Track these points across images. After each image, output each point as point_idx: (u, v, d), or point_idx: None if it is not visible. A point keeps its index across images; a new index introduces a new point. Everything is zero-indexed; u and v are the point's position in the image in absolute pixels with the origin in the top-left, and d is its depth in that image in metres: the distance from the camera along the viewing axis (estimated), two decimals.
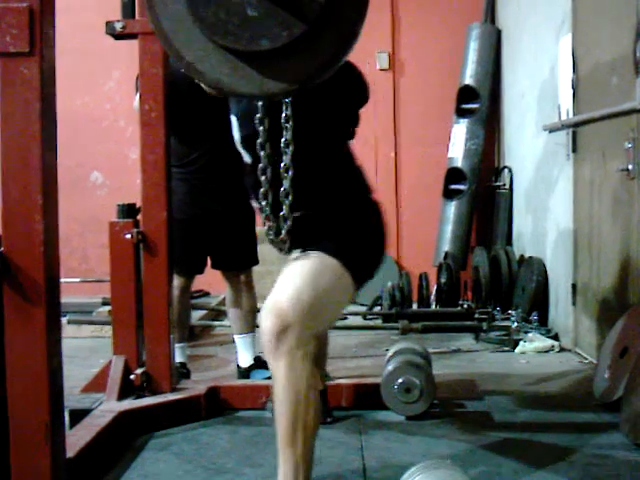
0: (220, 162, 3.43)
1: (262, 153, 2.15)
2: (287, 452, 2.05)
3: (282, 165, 2.14)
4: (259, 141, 2.14)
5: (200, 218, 3.51)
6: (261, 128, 2.14)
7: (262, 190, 2.17)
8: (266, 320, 2.06)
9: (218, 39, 1.80)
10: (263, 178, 2.17)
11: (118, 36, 3.07)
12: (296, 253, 2.28)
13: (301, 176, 2.17)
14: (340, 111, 2.37)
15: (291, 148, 2.14)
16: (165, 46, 1.84)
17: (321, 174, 2.29)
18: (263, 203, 2.19)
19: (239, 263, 3.68)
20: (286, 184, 2.14)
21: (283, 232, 2.18)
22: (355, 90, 2.46)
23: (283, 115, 2.13)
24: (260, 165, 2.16)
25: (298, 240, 2.24)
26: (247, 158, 2.37)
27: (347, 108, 2.42)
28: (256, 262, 3.72)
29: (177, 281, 3.44)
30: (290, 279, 2.13)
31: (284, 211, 2.16)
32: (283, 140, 2.14)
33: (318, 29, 1.81)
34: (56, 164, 1.92)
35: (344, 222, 2.29)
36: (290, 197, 2.15)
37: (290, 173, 2.14)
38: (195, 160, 3.50)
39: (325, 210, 2.29)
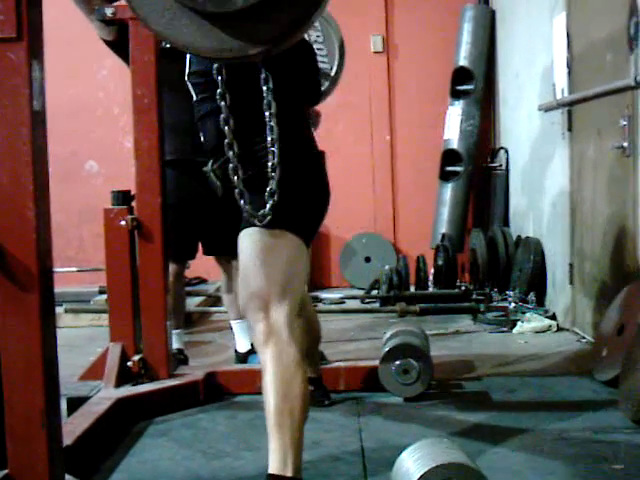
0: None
1: (222, 104, 2.10)
2: (276, 437, 2.04)
3: (269, 139, 2.11)
4: (219, 91, 2.10)
5: (187, 202, 3.49)
6: (219, 78, 2.11)
7: (227, 141, 2.12)
8: (249, 304, 2.09)
9: (186, 1, 1.77)
10: (226, 128, 2.11)
11: (108, 22, 3.05)
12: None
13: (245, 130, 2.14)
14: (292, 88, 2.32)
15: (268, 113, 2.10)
16: (133, 12, 1.81)
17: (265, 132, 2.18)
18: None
19: (230, 248, 3.66)
20: (273, 160, 2.11)
21: (268, 207, 2.12)
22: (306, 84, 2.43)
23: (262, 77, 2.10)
24: (222, 115, 2.11)
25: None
26: (193, 94, 2.36)
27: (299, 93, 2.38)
28: None
29: (170, 267, 3.43)
30: (254, 265, 2.15)
31: (272, 186, 2.10)
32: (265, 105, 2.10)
33: None
34: (47, 150, 1.91)
35: (285, 183, 2.17)
36: (277, 172, 2.10)
37: (276, 151, 2.10)
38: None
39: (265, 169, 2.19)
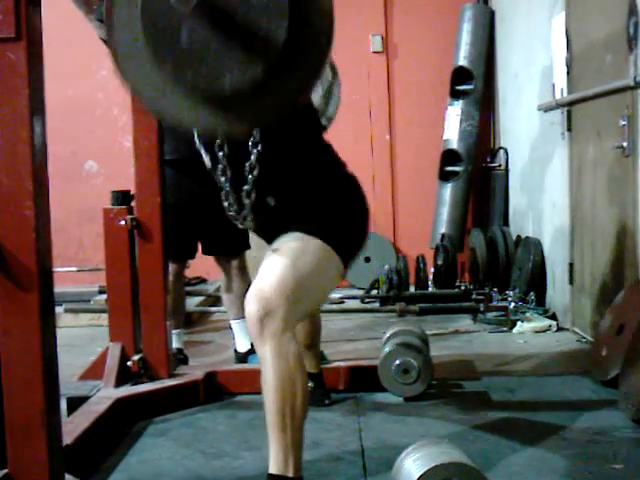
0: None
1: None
2: (276, 437, 2.03)
3: (248, 164, 2.14)
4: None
5: (187, 202, 3.49)
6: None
7: (220, 167, 2.18)
8: (249, 305, 2.05)
9: (176, 77, 1.78)
10: (223, 177, 2.19)
11: None
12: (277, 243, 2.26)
13: (270, 160, 2.15)
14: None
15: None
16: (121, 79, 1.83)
17: (291, 157, 2.25)
18: (222, 179, 2.18)
19: (229, 248, 3.67)
20: (252, 158, 2.13)
21: (246, 208, 2.15)
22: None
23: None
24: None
25: (276, 229, 2.21)
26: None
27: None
28: (247, 247, 3.69)
29: (170, 267, 3.43)
30: (272, 264, 2.12)
31: (248, 185, 2.14)
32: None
33: (278, 69, 1.77)
34: (46, 150, 1.91)
35: (321, 201, 2.26)
36: (255, 172, 2.13)
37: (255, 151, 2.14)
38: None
39: (300, 193, 2.26)
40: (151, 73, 1.80)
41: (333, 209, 2.27)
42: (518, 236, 5.37)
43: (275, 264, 2.10)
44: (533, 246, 4.86)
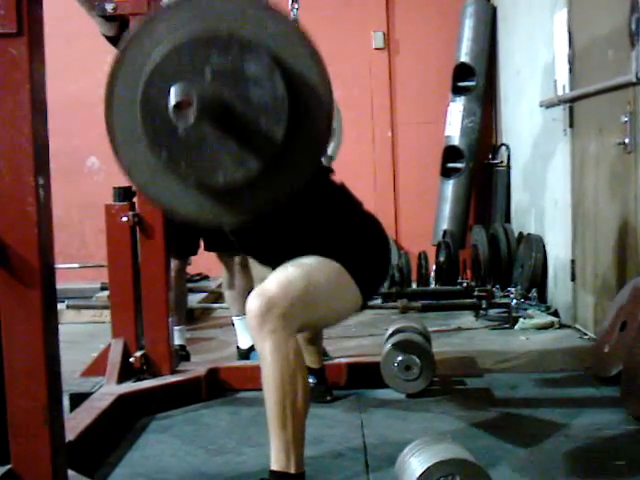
0: None
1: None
2: (277, 433, 2.03)
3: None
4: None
5: None
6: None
7: None
8: (251, 301, 2.05)
9: (170, 168, 1.79)
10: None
11: (109, 17, 3.04)
12: None
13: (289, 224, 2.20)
14: None
15: None
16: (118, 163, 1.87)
17: (304, 210, 2.25)
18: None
19: (232, 245, 3.66)
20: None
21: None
22: None
23: None
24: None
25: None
26: None
27: None
28: None
29: (172, 263, 3.43)
30: (283, 269, 2.13)
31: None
32: None
33: (273, 166, 1.80)
34: (48, 146, 1.91)
35: (340, 235, 2.28)
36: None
37: None
38: None
39: (317, 233, 2.27)
40: (146, 159, 1.82)
41: (352, 242, 2.28)
42: (520, 233, 5.36)
43: (286, 270, 2.11)
44: (535, 243, 4.86)
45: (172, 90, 1.68)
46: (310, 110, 1.81)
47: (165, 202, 1.91)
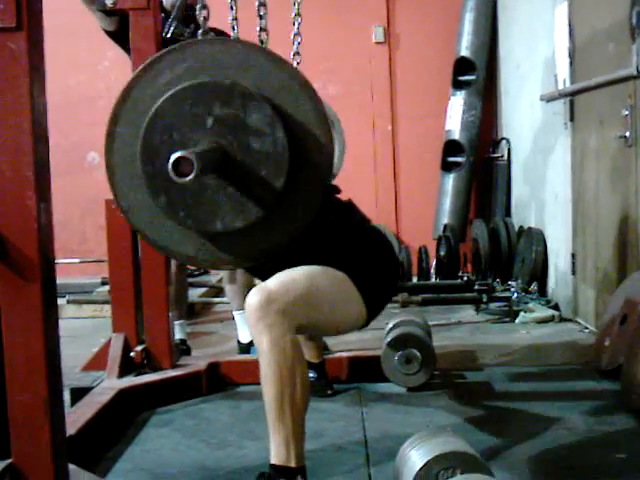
0: None
1: None
2: (276, 427, 2.03)
3: None
4: None
5: None
6: None
7: None
8: (251, 296, 2.04)
9: (168, 214, 1.79)
10: None
11: (109, 12, 3.04)
12: None
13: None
14: None
15: None
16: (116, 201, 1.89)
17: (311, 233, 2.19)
18: None
19: None
20: None
21: None
22: None
23: None
24: None
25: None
26: None
27: None
28: None
29: None
30: (287, 270, 2.12)
31: None
32: None
33: (273, 213, 1.82)
34: (47, 140, 1.90)
35: (347, 249, 2.27)
36: None
37: None
38: None
39: (328, 248, 2.26)
40: (145, 201, 1.82)
41: (358, 255, 2.27)
42: (520, 227, 5.36)
43: (290, 270, 2.10)
44: (535, 237, 4.86)
45: (172, 158, 1.65)
46: (310, 156, 1.83)
47: (163, 245, 1.93)
